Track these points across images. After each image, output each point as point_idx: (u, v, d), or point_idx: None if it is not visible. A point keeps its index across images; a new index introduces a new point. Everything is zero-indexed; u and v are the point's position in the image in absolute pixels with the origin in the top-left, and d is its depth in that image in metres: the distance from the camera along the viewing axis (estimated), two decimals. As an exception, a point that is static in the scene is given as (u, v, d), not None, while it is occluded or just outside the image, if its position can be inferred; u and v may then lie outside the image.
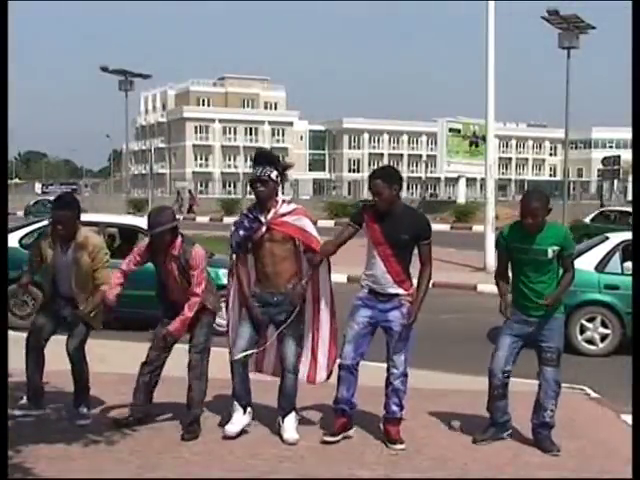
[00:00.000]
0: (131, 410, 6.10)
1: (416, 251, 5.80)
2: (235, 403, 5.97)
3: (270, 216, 5.83)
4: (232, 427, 5.91)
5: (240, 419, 5.95)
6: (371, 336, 5.86)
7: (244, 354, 5.86)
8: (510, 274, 6.02)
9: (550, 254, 5.76)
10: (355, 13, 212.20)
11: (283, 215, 5.86)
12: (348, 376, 5.78)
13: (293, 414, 5.96)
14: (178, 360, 6.09)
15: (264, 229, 5.82)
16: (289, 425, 5.91)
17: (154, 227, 5.79)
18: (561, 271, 5.92)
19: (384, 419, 5.92)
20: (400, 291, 5.77)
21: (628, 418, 6.29)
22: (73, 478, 5.12)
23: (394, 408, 5.84)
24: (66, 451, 5.60)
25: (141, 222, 10.96)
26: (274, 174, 5.85)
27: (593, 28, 40.63)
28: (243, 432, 5.93)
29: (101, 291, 6.04)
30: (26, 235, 11.18)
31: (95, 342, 6.39)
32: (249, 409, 6.01)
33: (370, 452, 5.72)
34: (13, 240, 10.68)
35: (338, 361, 5.90)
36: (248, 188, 6.18)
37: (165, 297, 6.10)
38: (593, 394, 7.63)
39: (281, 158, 6.19)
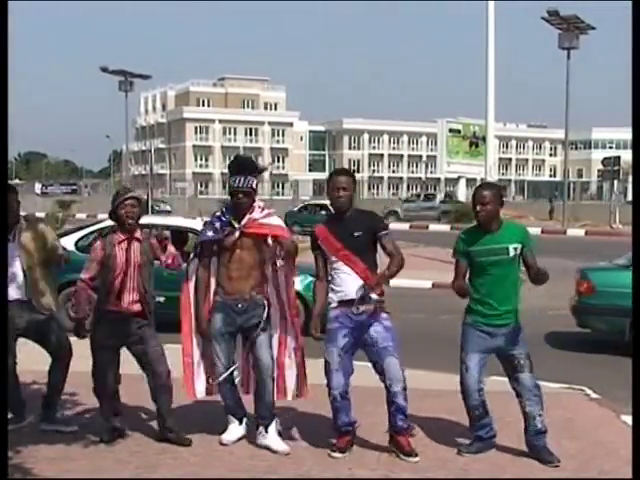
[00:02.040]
0: (111, 425, 5.87)
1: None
2: (229, 416, 5.90)
3: (244, 221, 5.69)
4: (228, 436, 5.83)
5: (236, 430, 5.87)
6: (355, 354, 5.66)
7: (226, 373, 5.73)
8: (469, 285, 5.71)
9: (512, 252, 5.54)
10: (355, 13, 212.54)
11: (256, 220, 5.73)
12: (343, 404, 5.60)
13: (275, 422, 5.81)
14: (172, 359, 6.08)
15: (237, 234, 5.68)
16: (274, 435, 5.76)
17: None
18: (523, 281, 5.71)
19: (393, 433, 5.68)
20: (372, 295, 5.52)
21: (628, 419, 6.27)
22: (73, 478, 5.12)
23: (400, 424, 5.62)
24: (66, 451, 5.61)
25: (194, 224, 11.10)
26: (255, 183, 5.72)
27: (593, 28, 40.74)
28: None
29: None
30: (82, 237, 11.01)
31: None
32: (245, 420, 5.91)
33: (370, 452, 5.71)
34: (69, 243, 10.48)
35: (327, 391, 5.62)
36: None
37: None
38: (593, 395, 7.62)
39: (256, 159, 6.08)
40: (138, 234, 5.81)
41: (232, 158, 5.98)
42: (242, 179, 5.66)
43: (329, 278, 5.68)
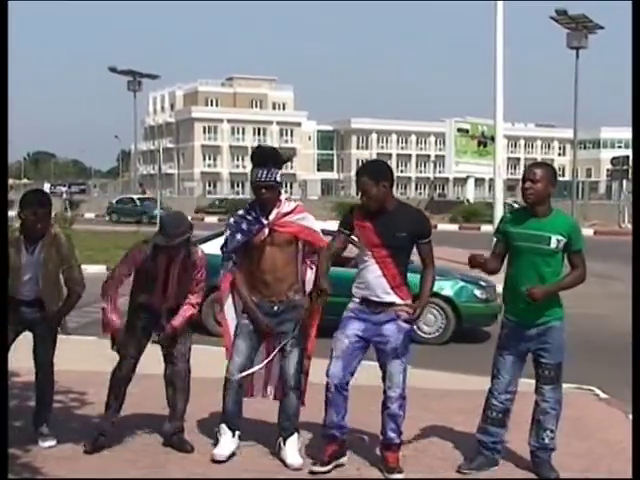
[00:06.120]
0: (101, 426, 5.73)
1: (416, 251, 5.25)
2: (223, 426, 5.50)
3: (272, 217, 5.35)
4: (221, 450, 5.45)
5: (229, 442, 5.48)
6: (363, 353, 5.28)
7: (243, 374, 5.43)
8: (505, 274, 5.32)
9: (554, 243, 5.03)
10: (363, 13, 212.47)
11: (286, 214, 5.38)
12: (337, 397, 5.20)
13: (295, 436, 5.50)
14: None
15: (266, 232, 5.35)
16: (291, 448, 5.44)
17: (173, 236, 5.42)
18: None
19: (381, 444, 5.40)
20: (396, 299, 5.15)
21: (637, 418, 6.25)
22: (81, 478, 5.12)
23: (391, 435, 5.27)
24: (74, 451, 5.61)
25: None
26: (279, 175, 5.35)
27: (602, 28, 40.58)
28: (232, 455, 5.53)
29: (76, 294, 5.70)
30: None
31: (104, 342, 6.37)
32: (238, 432, 5.53)
33: (376, 452, 5.66)
34: (214, 248, 10.38)
35: (325, 380, 5.28)
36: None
37: (156, 303, 5.63)
38: (602, 394, 7.61)
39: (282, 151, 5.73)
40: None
41: (255, 148, 5.59)
42: (265, 172, 5.29)
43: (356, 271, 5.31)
